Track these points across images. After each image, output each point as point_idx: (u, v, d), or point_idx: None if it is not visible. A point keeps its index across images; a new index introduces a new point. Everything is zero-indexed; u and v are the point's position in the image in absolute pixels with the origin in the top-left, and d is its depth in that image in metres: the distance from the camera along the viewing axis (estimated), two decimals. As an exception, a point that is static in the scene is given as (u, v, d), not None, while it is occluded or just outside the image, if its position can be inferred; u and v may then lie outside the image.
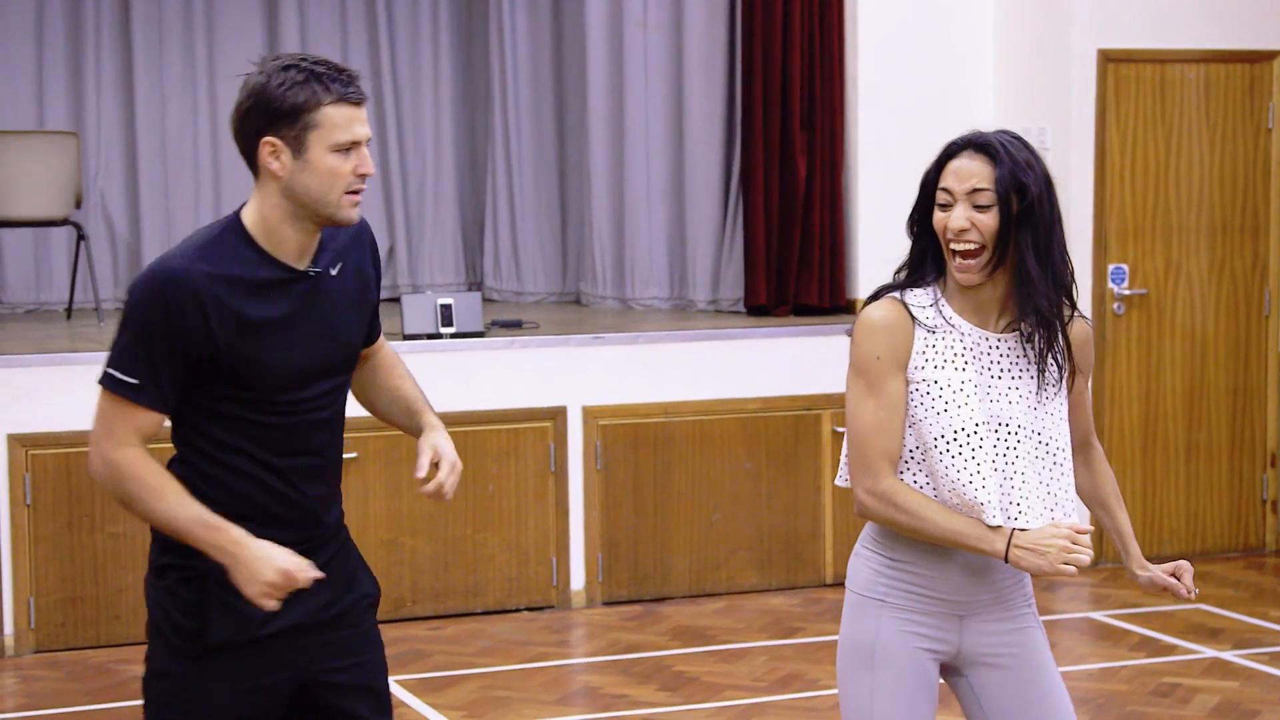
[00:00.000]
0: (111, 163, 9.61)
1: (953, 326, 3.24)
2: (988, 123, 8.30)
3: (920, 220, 3.29)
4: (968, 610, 3.30)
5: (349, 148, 3.10)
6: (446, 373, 7.19)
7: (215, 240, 3.14)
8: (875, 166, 8.43)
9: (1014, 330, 3.26)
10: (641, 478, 7.51)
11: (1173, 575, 3.42)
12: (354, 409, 3.39)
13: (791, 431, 7.69)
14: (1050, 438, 3.26)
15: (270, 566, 3.05)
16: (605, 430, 7.45)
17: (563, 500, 7.42)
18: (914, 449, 3.24)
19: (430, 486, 3.27)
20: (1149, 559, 3.51)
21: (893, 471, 3.23)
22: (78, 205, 8.60)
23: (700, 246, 8.79)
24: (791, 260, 8.38)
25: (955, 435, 3.19)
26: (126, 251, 9.63)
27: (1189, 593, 3.41)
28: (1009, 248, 3.19)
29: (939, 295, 3.27)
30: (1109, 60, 8.05)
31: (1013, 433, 3.22)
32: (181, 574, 3.16)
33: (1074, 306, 3.31)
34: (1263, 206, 8.30)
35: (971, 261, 3.20)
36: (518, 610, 7.39)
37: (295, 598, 3.14)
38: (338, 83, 3.09)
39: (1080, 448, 3.46)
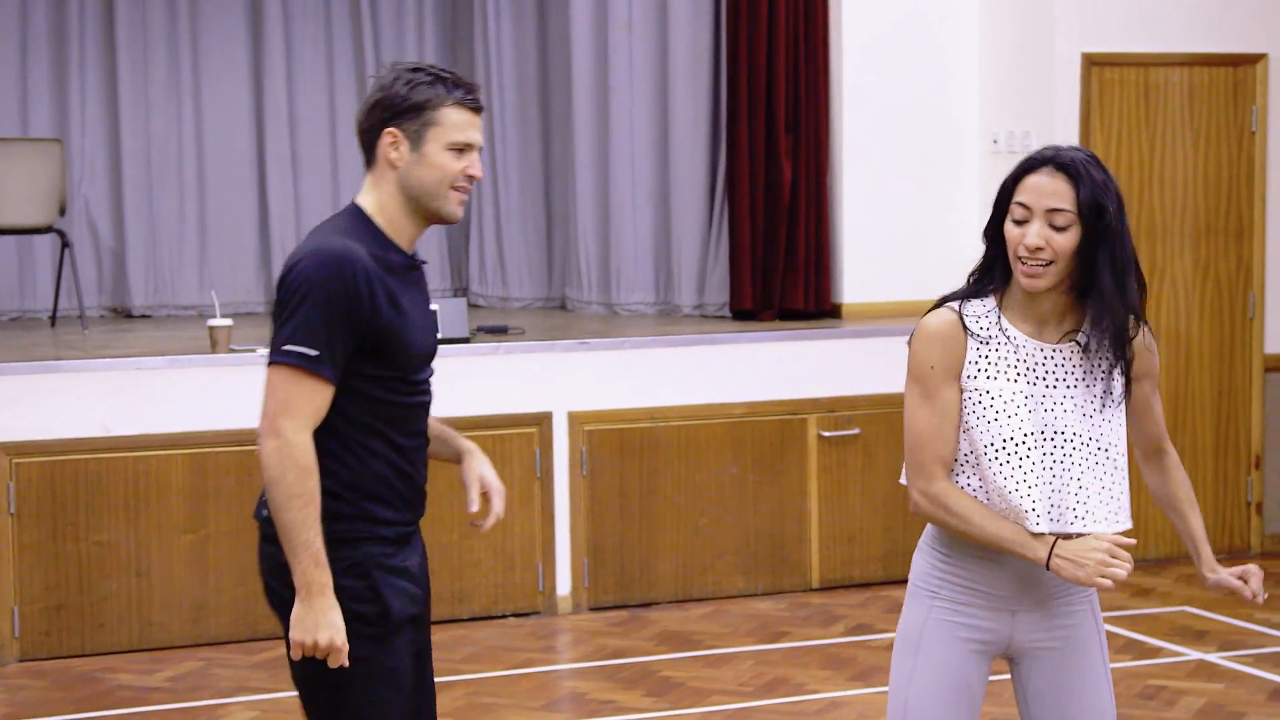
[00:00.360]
0: (96, 170, 9.60)
1: (1008, 338, 3.32)
2: (971, 126, 8.41)
3: (994, 230, 3.35)
4: (1019, 606, 3.40)
5: (462, 149, 3.32)
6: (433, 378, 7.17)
7: (353, 226, 3.30)
8: (860, 170, 8.43)
9: (1070, 341, 3.32)
10: (627, 483, 7.51)
11: (1240, 579, 3.48)
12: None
13: (777, 436, 7.69)
14: (1109, 444, 3.34)
15: (332, 631, 3.18)
16: (591, 436, 7.44)
17: (548, 506, 7.41)
18: (967, 453, 3.34)
19: (489, 523, 3.48)
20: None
21: (946, 475, 3.34)
22: (62, 213, 8.58)
23: (686, 251, 8.78)
24: (777, 264, 8.37)
25: (1004, 444, 3.29)
26: (111, 259, 9.62)
27: (1254, 596, 3.47)
28: (1080, 265, 3.25)
29: (997, 306, 3.35)
30: (1093, 64, 8.06)
31: (1068, 440, 3.30)
32: (341, 566, 3.25)
33: (1141, 321, 3.36)
34: (1246, 210, 8.31)
35: (1040, 268, 3.26)
36: (504, 616, 7.38)
37: (421, 578, 3.39)
38: (460, 89, 3.32)
39: (1155, 453, 3.54)
